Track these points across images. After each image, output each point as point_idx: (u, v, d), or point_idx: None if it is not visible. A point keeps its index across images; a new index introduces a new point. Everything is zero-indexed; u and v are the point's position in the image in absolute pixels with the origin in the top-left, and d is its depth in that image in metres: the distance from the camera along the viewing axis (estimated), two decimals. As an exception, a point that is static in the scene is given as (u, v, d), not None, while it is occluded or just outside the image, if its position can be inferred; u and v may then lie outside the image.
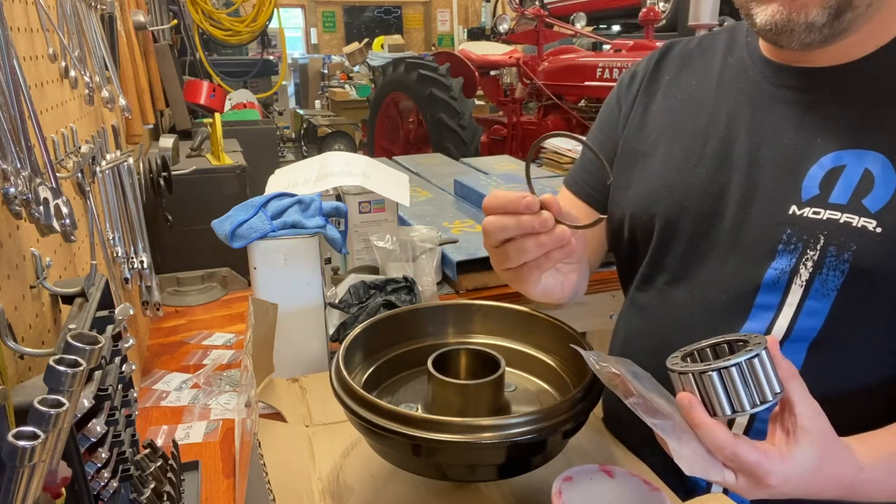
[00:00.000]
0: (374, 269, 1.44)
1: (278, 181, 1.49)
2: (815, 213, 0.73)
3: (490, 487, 0.82)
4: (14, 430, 0.42)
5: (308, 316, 1.13)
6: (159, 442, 1.04)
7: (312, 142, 8.32)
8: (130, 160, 1.20)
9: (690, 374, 0.63)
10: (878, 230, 0.70)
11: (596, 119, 1.04)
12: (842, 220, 0.71)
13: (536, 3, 5.09)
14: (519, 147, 5.03)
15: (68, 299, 0.76)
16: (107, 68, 1.20)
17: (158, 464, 0.79)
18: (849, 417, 0.68)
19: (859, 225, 0.70)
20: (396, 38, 9.47)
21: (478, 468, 0.74)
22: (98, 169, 1.02)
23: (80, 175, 0.92)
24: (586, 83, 4.24)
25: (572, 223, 0.69)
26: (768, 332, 0.76)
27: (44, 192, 0.65)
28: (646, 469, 0.87)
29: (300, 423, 0.99)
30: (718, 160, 0.82)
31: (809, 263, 0.73)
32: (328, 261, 1.35)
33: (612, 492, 0.70)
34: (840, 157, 0.73)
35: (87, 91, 1.04)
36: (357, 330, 0.89)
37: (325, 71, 10.71)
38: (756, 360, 0.62)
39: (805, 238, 0.73)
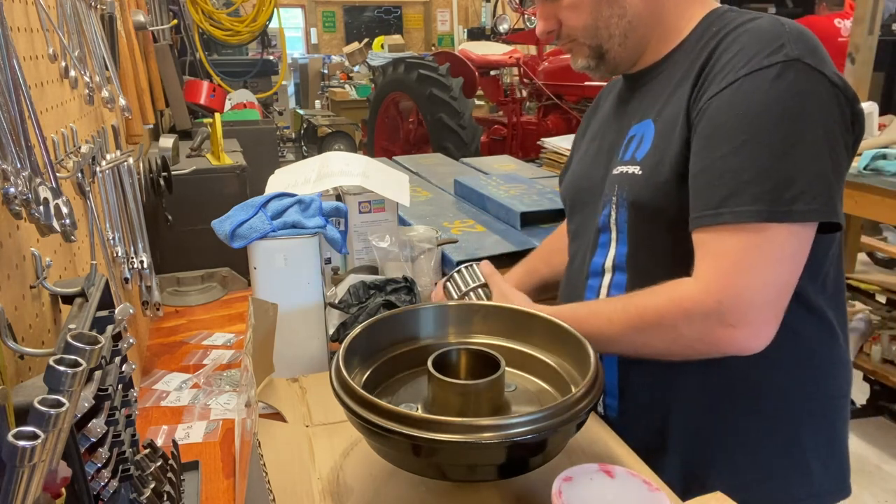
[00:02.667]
0: (374, 269, 1.44)
1: (278, 181, 1.49)
2: (616, 170, 0.98)
3: (490, 487, 0.82)
4: (14, 430, 0.42)
5: (308, 316, 1.13)
6: (159, 442, 1.04)
7: (312, 142, 8.31)
8: (130, 160, 1.20)
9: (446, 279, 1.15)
10: (640, 173, 0.94)
11: None
12: (623, 171, 0.97)
13: (536, 2, 5.08)
14: (519, 147, 5.03)
15: (68, 299, 0.76)
16: (107, 68, 1.20)
17: (158, 464, 0.79)
18: None
19: (630, 172, 0.95)
20: (396, 38, 9.45)
21: (478, 468, 0.74)
22: (98, 169, 1.02)
23: (80, 175, 0.92)
24: (586, 83, 4.24)
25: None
26: (606, 262, 1.00)
27: (44, 192, 0.65)
28: (646, 469, 0.87)
29: (300, 423, 0.99)
30: (598, 146, 1.09)
31: (614, 206, 0.98)
32: (328, 261, 1.35)
33: (612, 492, 0.70)
34: (636, 128, 0.98)
35: (87, 91, 1.04)
36: (357, 330, 0.89)
37: (325, 71, 10.69)
38: (463, 269, 1.14)
39: (612, 188, 0.98)
